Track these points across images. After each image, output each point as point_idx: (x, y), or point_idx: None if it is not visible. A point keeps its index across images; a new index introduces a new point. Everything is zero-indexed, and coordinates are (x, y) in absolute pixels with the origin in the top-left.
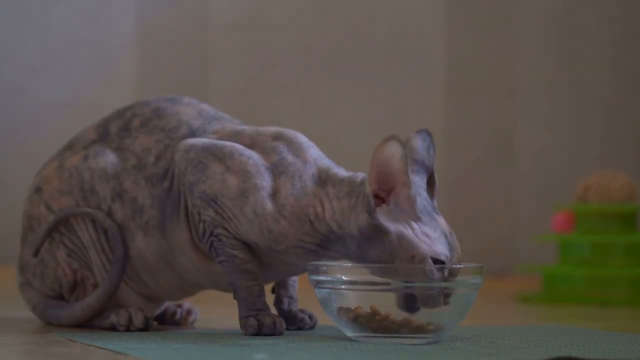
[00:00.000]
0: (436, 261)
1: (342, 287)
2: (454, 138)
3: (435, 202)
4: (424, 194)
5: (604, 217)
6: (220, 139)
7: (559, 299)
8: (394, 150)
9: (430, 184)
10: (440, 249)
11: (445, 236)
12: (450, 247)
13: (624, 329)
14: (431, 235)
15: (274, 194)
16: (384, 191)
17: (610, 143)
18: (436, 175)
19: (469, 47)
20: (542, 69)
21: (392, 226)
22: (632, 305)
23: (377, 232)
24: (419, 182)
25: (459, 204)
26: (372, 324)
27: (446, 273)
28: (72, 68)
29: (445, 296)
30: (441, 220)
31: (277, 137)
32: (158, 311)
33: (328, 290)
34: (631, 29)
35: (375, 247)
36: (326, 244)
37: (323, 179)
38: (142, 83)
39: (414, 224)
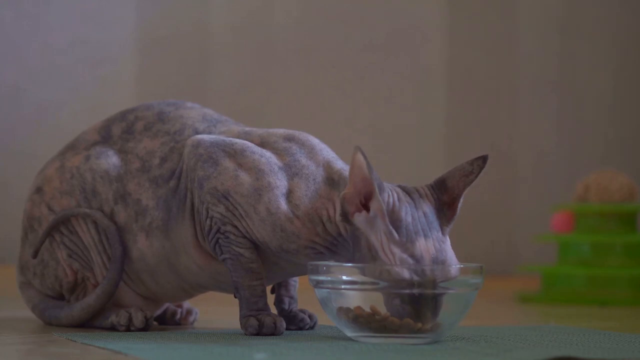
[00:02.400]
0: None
1: (342, 287)
2: (454, 138)
3: (445, 228)
4: (424, 211)
5: (604, 217)
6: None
7: (559, 299)
8: (360, 161)
9: (451, 208)
10: (397, 271)
11: (419, 260)
12: (420, 273)
13: (624, 329)
14: (396, 255)
15: (288, 194)
16: (367, 200)
17: (610, 143)
18: (461, 201)
19: (469, 47)
20: (542, 69)
21: (368, 232)
22: (632, 305)
23: (356, 235)
24: (420, 198)
25: None
26: (372, 324)
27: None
28: (72, 68)
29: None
30: (423, 244)
31: (289, 138)
32: (158, 311)
33: (328, 290)
34: (631, 29)
35: (357, 251)
36: (335, 247)
37: (335, 180)
38: (142, 83)
39: (384, 237)
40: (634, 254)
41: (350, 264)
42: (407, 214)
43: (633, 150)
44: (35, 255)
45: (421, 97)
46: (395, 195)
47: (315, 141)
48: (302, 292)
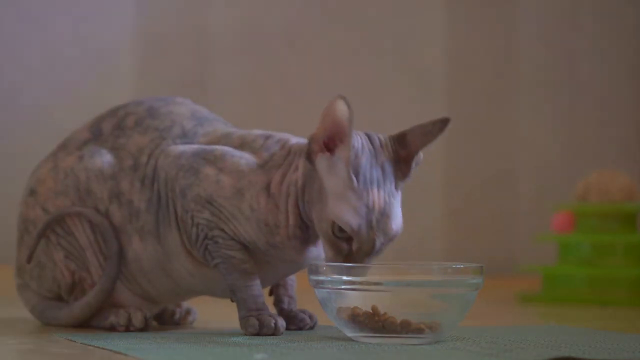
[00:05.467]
0: (340, 229)
1: (342, 287)
2: (454, 137)
3: (399, 183)
4: (382, 162)
5: (604, 217)
6: (210, 142)
7: (559, 299)
8: (343, 110)
9: (407, 164)
10: (348, 218)
11: (369, 211)
12: (369, 224)
13: (624, 329)
14: (349, 201)
15: (267, 187)
16: (333, 143)
17: (610, 143)
18: (416, 161)
19: (469, 46)
20: (542, 69)
21: (324, 176)
22: (632, 306)
23: (312, 176)
24: (380, 148)
25: (459, 203)
26: (372, 324)
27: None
28: (71, 68)
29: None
30: (376, 194)
31: (267, 136)
32: (157, 311)
33: (328, 290)
34: (632, 28)
35: (308, 193)
36: (310, 222)
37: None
38: (141, 83)
39: (340, 183)
40: (635, 254)
41: (350, 264)
42: (367, 162)
43: (633, 150)
44: (29, 259)
45: (421, 98)
46: (360, 142)
47: (293, 137)
48: (302, 292)
